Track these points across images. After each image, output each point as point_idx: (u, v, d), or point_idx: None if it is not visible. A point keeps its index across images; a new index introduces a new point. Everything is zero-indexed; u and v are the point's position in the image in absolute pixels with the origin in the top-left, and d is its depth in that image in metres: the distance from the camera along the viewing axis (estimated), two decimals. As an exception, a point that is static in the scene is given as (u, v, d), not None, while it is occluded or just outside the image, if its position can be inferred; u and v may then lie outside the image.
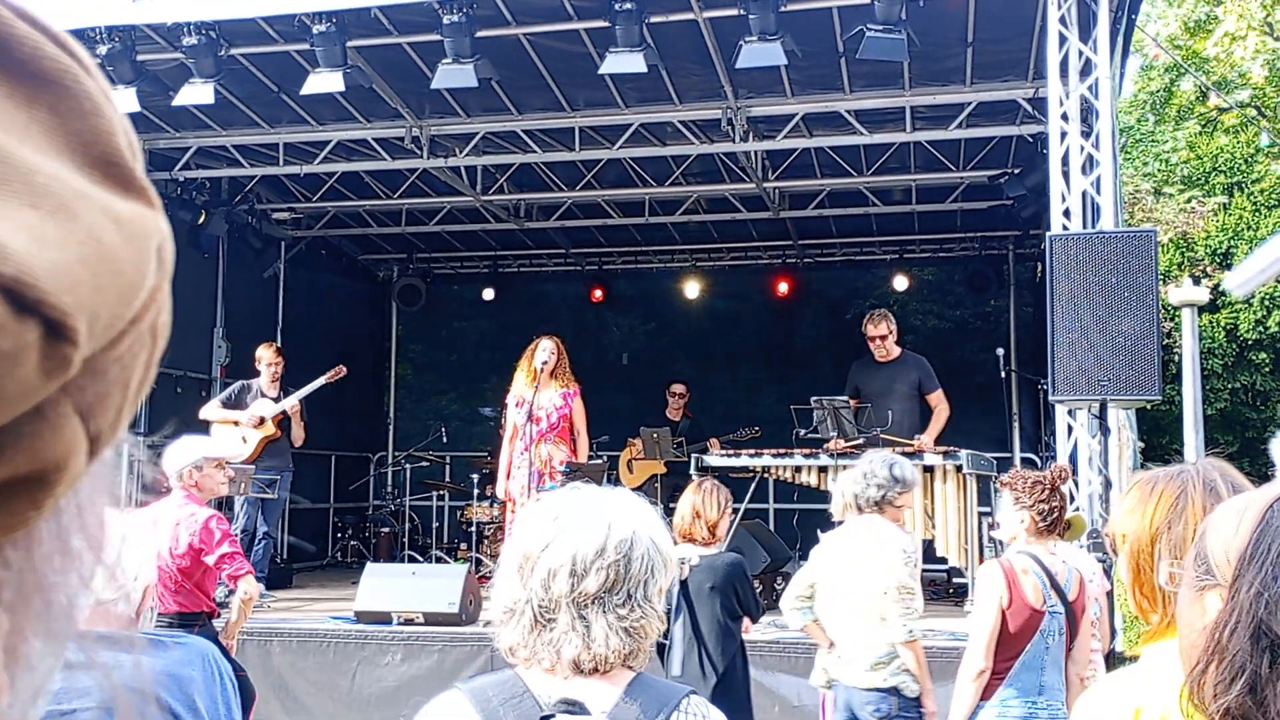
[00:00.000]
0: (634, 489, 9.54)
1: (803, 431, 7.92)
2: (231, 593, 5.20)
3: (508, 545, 1.72)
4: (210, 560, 4.93)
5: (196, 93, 7.70)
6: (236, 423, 8.34)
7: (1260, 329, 13.58)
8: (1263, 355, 13.77)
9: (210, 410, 8.43)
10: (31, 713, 0.42)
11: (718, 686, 4.54)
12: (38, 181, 0.38)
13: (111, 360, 0.40)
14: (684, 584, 4.64)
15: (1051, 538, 4.09)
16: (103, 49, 7.59)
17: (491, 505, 9.73)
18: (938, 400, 8.46)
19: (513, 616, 1.64)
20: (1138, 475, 1.95)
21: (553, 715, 1.54)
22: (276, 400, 8.53)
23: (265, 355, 8.68)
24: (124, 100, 7.69)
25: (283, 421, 8.53)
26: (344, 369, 8.72)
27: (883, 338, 8.45)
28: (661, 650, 4.64)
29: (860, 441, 7.42)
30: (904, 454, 7.16)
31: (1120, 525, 1.89)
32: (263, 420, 8.38)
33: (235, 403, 8.49)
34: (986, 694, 3.96)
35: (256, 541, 8.41)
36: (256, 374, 8.70)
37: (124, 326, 0.40)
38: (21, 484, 0.38)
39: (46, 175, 0.38)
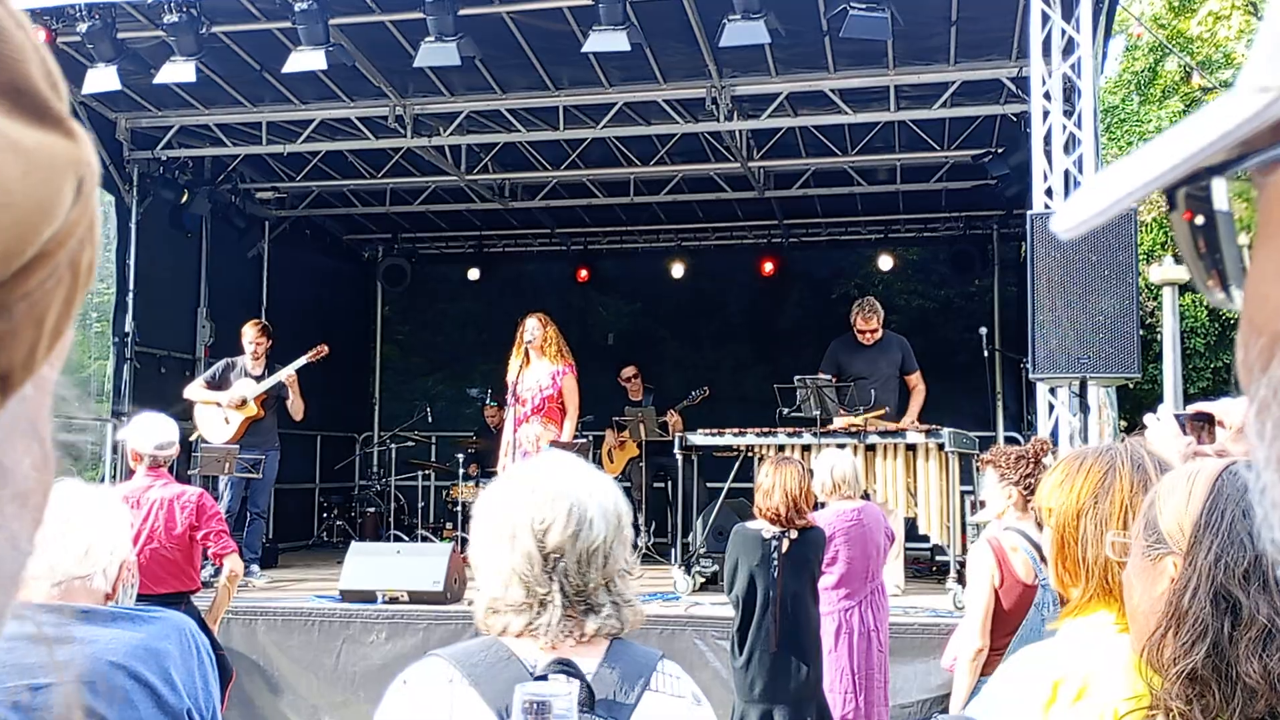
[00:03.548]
0: (617, 476, 9.53)
1: (786, 411, 7.94)
2: (218, 571, 5.24)
3: (485, 522, 1.73)
4: (200, 535, 5.04)
5: (178, 70, 7.66)
6: (219, 404, 8.32)
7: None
8: (1245, 334, 13.84)
9: (194, 390, 8.40)
10: None
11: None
12: None
13: (18, 297, 0.39)
14: (785, 558, 4.73)
15: None
16: (83, 26, 7.54)
17: (477, 485, 9.75)
18: (916, 381, 8.55)
19: (501, 589, 1.67)
20: (1066, 452, 1.96)
21: (545, 677, 1.58)
22: (260, 379, 8.48)
23: (249, 333, 8.61)
24: (105, 78, 7.64)
25: (267, 401, 8.49)
26: (325, 348, 8.63)
27: (873, 331, 8.46)
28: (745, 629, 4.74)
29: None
30: (884, 433, 7.21)
31: (1047, 500, 1.89)
32: (244, 401, 8.33)
33: (219, 382, 8.43)
34: (986, 671, 4.01)
35: (248, 522, 8.43)
36: (241, 352, 8.67)
37: (28, 260, 0.38)
38: None
39: None
